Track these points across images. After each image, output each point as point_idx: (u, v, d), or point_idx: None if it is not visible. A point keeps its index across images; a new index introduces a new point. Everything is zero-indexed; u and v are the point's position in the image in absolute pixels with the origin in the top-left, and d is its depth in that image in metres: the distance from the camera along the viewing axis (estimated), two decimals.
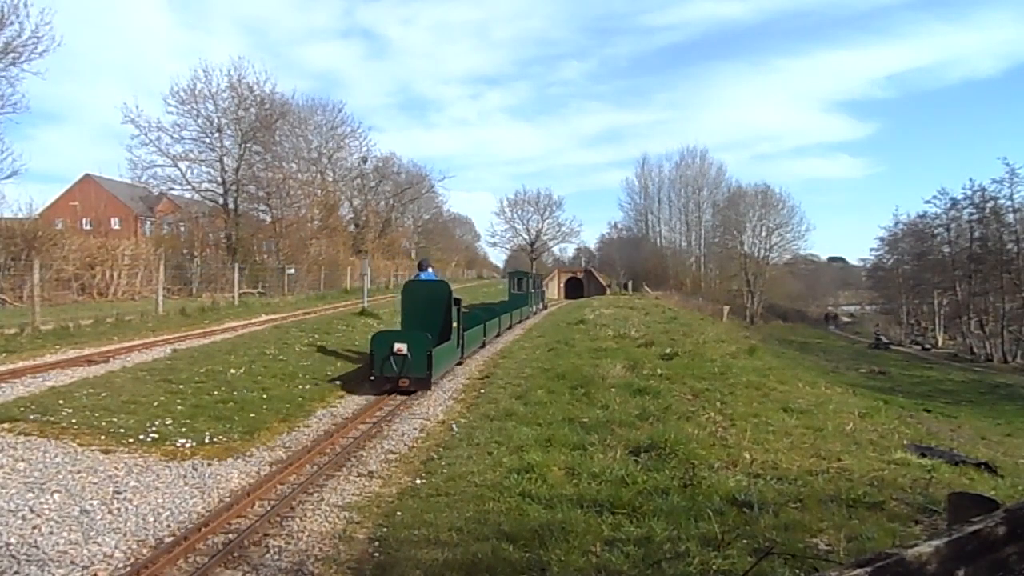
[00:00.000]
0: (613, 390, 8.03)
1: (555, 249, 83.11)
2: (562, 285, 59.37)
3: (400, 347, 8.70)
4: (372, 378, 8.69)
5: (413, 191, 53.29)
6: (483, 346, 13.19)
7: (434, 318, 10.21)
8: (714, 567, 3.36)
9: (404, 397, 8.53)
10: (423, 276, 11.38)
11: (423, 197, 57.07)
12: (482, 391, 8.92)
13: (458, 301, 10.88)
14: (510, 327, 17.79)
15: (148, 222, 36.63)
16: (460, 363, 11.11)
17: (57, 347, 10.10)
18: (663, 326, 18.00)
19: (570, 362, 10.30)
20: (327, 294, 26.67)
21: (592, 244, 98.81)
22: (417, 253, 56.15)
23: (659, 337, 14.18)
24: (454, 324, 10.52)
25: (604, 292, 51.88)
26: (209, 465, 5.52)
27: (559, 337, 14.63)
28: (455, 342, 10.58)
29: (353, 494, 4.96)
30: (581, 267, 68.56)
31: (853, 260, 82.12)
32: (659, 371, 9.35)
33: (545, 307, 29.98)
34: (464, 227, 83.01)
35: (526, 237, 70.50)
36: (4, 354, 9.20)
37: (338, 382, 9.23)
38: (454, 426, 6.96)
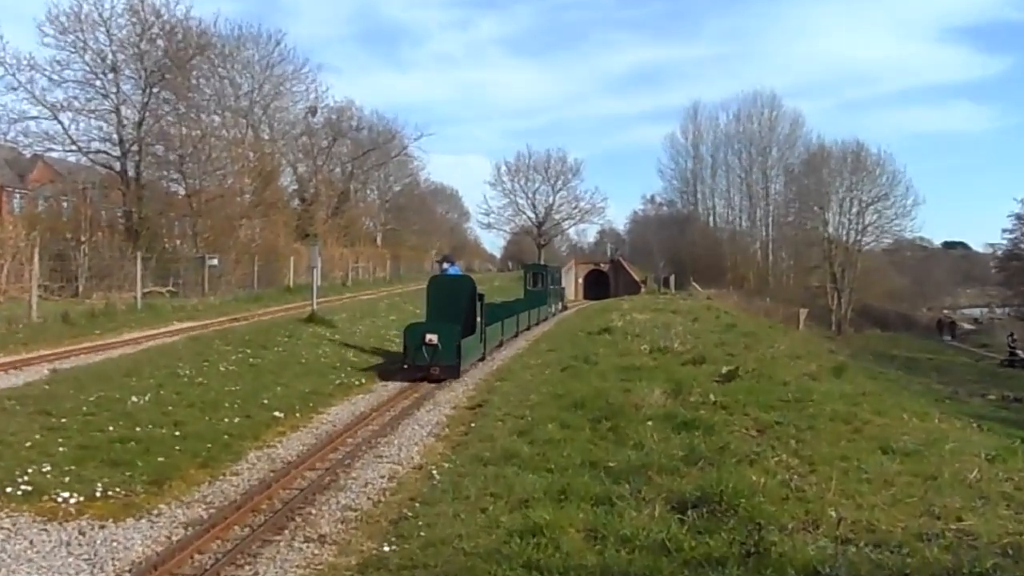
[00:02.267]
0: (650, 424, 8.08)
1: (571, 232, 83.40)
2: (580, 281, 59.43)
3: (431, 337, 12.18)
4: (405, 367, 12.35)
5: (379, 154, 53.48)
6: (500, 345, 16.67)
7: (458, 312, 13.47)
8: None
9: (369, 434, 8.73)
10: (450, 271, 14.96)
11: (393, 161, 57.25)
12: (472, 424, 9.04)
13: (481, 297, 14.25)
14: (528, 328, 21.28)
15: (17, 195, 36.74)
16: (482, 358, 14.48)
17: None
18: (718, 336, 18.10)
19: (591, 385, 10.41)
20: (263, 294, 26.77)
21: (621, 225, 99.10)
22: (384, 236, 56.45)
23: (712, 351, 14.26)
24: (477, 319, 13.91)
25: (637, 289, 52.06)
26: (102, 528, 5.55)
27: (576, 351, 14.74)
28: (479, 336, 14.04)
29: (298, 566, 5.01)
30: (606, 256, 68.68)
31: (977, 246, 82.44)
32: (712, 398, 9.42)
33: (565, 307, 32.47)
34: (448, 202, 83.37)
35: (531, 216, 70.93)
36: None
37: (278, 413, 9.31)
38: (435, 472, 6.99)
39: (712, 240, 64.88)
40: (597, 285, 58.68)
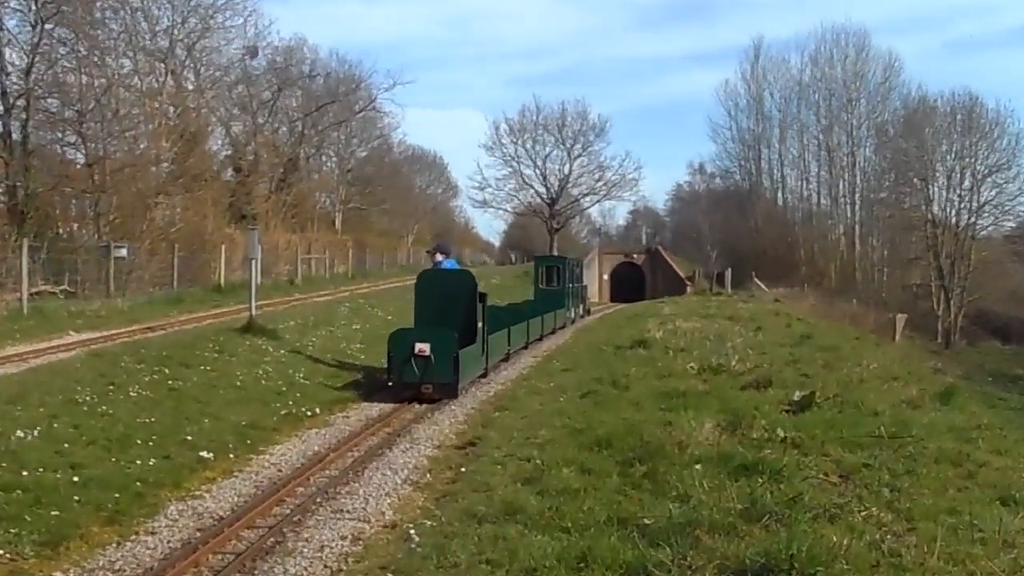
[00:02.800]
0: (698, 467, 8.08)
1: (593, 212, 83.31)
2: (606, 277, 59.61)
3: (422, 348, 12.98)
4: (390, 384, 13.27)
5: (339, 108, 53.73)
6: (507, 358, 17.94)
7: (456, 316, 14.36)
8: None
9: (325, 482, 8.79)
10: (445, 264, 15.79)
11: (357, 119, 57.44)
12: (463, 469, 9.10)
13: (483, 297, 15.15)
14: (539, 338, 22.53)
15: None
16: (484, 375, 15.51)
17: None
18: (788, 351, 18.15)
19: (620, 417, 10.45)
20: (186, 294, 26.86)
21: (660, 203, 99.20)
22: (345, 218, 56.55)
23: (781, 371, 14.33)
24: (479, 325, 14.78)
25: (682, 288, 52.37)
26: None
27: (601, 371, 14.89)
28: (480, 346, 14.90)
29: None
30: (640, 245, 68.78)
31: None
32: (781, 433, 9.41)
33: (588, 312, 34.23)
34: (430, 172, 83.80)
35: (541, 190, 70.87)
36: None
37: (205, 453, 9.39)
38: (412, 533, 7.02)
39: (781, 223, 65.05)
40: (628, 282, 58.88)
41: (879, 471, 8.23)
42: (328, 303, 26.76)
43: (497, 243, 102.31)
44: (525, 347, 20.21)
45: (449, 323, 13.96)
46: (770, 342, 19.82)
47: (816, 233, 64.34)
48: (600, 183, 70.20)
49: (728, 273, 52.48)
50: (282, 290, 31.69)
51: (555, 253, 52.62)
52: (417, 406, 12.75)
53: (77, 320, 19.53)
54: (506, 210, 75.13)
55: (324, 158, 58.22)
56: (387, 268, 53.47)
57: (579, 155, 69.96)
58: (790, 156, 68.67)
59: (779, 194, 69.57)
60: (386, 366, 13.55)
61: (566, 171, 70.02)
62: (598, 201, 74.09)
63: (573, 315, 29.85)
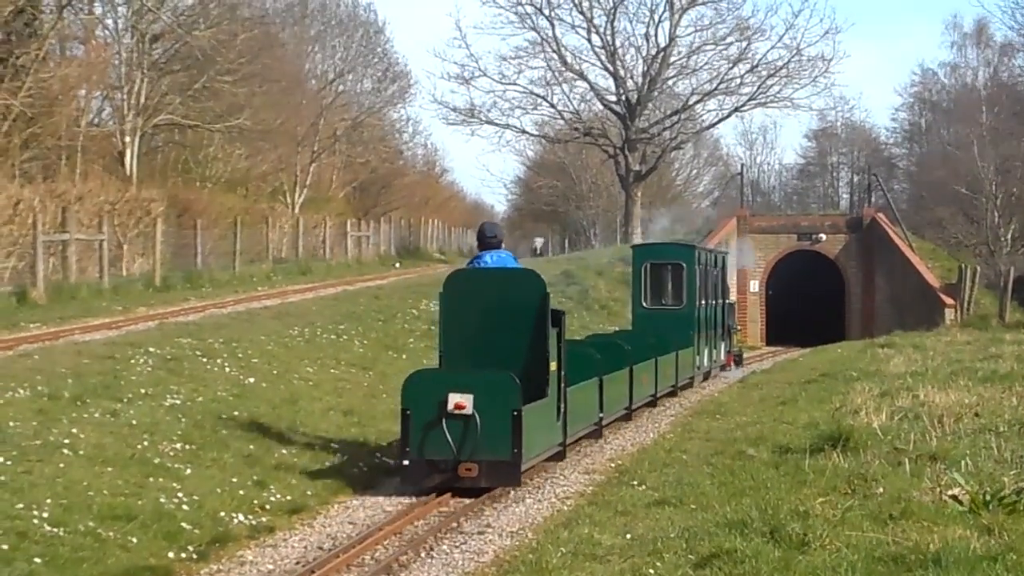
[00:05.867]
0: None
1: (724, 135, 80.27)
2: (755, 286, 55.39)
3: (461, 401, 14.45)
4: (405, 463, 14.95)
5: None
6: (598, 431, 20.22)
7: (513, 349, 15.98)
8: None
9: None
10: (491, 259, 16.93)
11: None
12: None
13: (560, 318, 16.83)
14: (652, 402, 25.01)
15: None
16: (562, 454, 17.31)
17: None
18: None
19: None
20: None
21: (884, 120, 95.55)
22: (146, 150, 53.05)
23: None
24: (551, 365, 16.23)
25: (935, 312, 50.43)
26: None
27: (741, 506, 13.32)
28: (555, 402, 16.50)
29: None
30: (834, 213, 65.03)
31: None
32: None
33: (739, 359, 37.81)
34: (347, 44, 79.61)
35: (605, 84, 66.66)
36: None
37: None
38: None
39: None
40: (805, 297, 57.18)
41: None
42: (109, 346, 24.21)
43: (502, 211, 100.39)
44: (627, 416, 22.27)
45: (503, 361, 15.52)
46: None
47: None
48: (740, 69, 65.84)
49: None
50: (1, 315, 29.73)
51: (636, 226, 50.96)
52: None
53: None
54: (522, 131, 71.45)
55: (100, 7, 53.98)
56: (245, 264, 49.59)
57: (693, 1, 64.71)
58: None
59: None
60: (401, 434, 15.16)
61: (661, 40, 65.71)
62: (736, 110, 69.86)
63: (706, 363, 31.30)
